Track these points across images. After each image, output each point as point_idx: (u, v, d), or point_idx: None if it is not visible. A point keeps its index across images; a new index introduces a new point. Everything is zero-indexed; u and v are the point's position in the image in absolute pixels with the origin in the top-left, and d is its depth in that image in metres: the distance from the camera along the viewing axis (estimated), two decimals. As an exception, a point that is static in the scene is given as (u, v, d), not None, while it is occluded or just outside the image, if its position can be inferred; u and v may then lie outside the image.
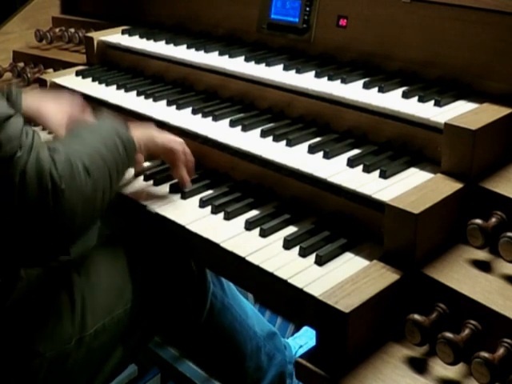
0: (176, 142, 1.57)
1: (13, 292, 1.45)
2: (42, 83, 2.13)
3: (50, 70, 2.33)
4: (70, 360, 1.48)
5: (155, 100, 1.86)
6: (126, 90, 1.95)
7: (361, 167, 1.44)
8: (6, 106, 1.21)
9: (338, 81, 1.66)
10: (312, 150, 1.52)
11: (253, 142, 1.60)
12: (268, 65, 1.80)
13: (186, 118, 1.75)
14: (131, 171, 1.64)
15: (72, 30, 2.44)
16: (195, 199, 1.54)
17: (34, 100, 1.70)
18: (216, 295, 1.73)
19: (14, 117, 1.20)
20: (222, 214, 1.48)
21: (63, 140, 1.40)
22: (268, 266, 1.29)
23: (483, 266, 1.23)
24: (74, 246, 1.54)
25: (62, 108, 1.70)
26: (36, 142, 1.21)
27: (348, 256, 1.32)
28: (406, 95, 1.54)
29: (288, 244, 1.35)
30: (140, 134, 1.51)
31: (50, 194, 1.19)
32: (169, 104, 1.82)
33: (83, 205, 1.26)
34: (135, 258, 1.60)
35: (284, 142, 1.57)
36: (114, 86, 1.99)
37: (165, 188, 1.60)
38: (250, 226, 1.42)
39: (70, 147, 1.29)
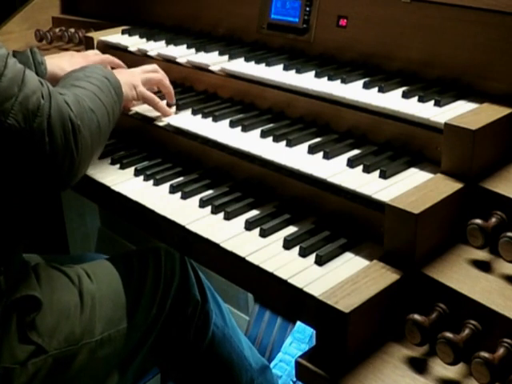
0: (153, 78, 1.79)
1: (16, 280, 1.46)
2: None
3: (50, 70, 2.33)
4: (74, 365, 1.49)
5: (155, 100, 1.86)
6: (126, 90, 1.95)
7: (361, 167, 1.44)
8: (16, 61, 1.27)
9: (338, 81, 1.66)
10: (312, 150, 1.52)
11: (253, 142, 1.59)
12: (268, 65, 1.80)
13: (186, 119, 1.75)
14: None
15: (72, 30, 2.44)
16: (195, 199, 1.54)
17: (52, 61, 1.78)
18: (217, 325, 1.75)
19: (26, 70, 1.28)
20: (221, 214, 1.48)
21: (63, 86, 1.47)
22: (268, 266, 1.29)
23: (483, 266, 1.23)
24: None
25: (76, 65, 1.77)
26: (51, 89, 1.31)
27: (348, 256, 1.32)
28: (406, 95, 1.54)
29: (288, 244, 1.35)
30: (123, 80, 1.64)
31: (71, 132, 1.31)
32: (168, 104, 1.82)
33: (91, 138, 1.39)
34: (145, 278, 1.62)
35: (284, 143, 1.57)
36: (114, 86, 1.99)
37: (165, 188, 1.60)
38: (250, 225, 1.42)
39: (72, 91, 1.42)
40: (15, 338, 1.42)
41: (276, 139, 1.59)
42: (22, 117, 1.22)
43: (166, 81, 1.82)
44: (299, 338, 2.17)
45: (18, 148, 1.25)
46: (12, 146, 1.24)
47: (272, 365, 2.14)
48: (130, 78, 1.72)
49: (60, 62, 1.77)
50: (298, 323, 2.20)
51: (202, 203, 1.52)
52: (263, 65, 1.81)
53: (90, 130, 1.38)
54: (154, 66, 1.84)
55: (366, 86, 1.61)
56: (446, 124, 1.35)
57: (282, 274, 1.26)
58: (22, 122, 1.22)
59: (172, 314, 1.66)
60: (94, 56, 1.87)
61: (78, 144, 1.33)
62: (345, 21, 1.78)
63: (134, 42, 2.11)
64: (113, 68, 1.83)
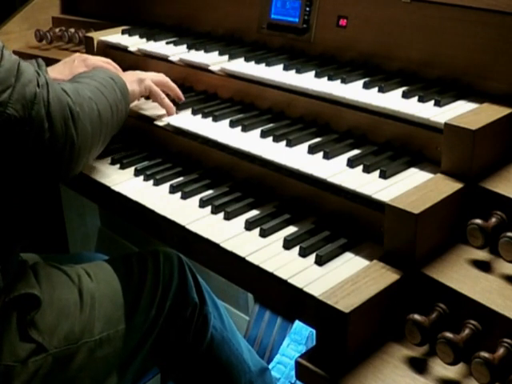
0: (159, 80, 1.79)
1: (15, 279, 1.46)
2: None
3: (50, 70, 2.33)
4: (74, 364, 1.49)
5: (155, 100, 1.86)
6: (126, 90, 1.95)
7: (361, 167, 1.44)
8: (11, 52, 1.28)
9: (338, 81, 1.66)
10: (312, 150, 1.52)
11: (253, 142, 1.59)
12: (268, 65, 1.80)
13: (186, 119, 1.75)
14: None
15: (72, 30, 2.44)
16: (195, 199, 1.54)
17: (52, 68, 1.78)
18: (216, 328, 1.75)
19: (21, 60, 1.29)
20: (221, 214, 1.48)
21: (65, 83, 1.47)
22: (268, 266, 1.29)
23: (483, 266, 1.23)
24: None
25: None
26: (48, 78, 1.32)
27: (348, 256, 1.32)
28: (406, 95, 1.54)
29: (288, 244, 1.35)
30: (128, 78, 1.68)
31: (70, 119, 1.33)
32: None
33: (92, 126, 1.40)
34: (144, 281, 1.63)
35: (284, 142, 1.57)
36: (114, 86, 1.99)
37: (165, 188, 1.60)
38: (250, 225, 1.42)
39: (72, 84, 1.44)
40: (16, 335, 1.43)
41: (276, 139, 1.59)
42: (20, 106, 1.24)
43: (172, 83, 1.83)
44: (296, 340, 2.17)
45: (18, 137, 1.26)
46: (13, 136, 1.25)
47: (269, 367, 2.14)
48: (137, 75, 1.75)
49: (60, 68, 1.79)
50: (295, 324, 2.20)
51: (202, 203, 1.52)
52: (263, 65, 1.81)
53: (90, 117, 1.39)
54: (159, 74, 1.85)
55: (366, 86, 1.61)
56: (445, 124, 1.35)
57: (281, 274, 1.26)
58: (20, 111, 1.24)
59: (171, 317, 1.66)
60: (94, 59, 1.86)
61: (77, 130, 1.34)
62: (345, 21, 1.78)
63: (134, 42, 2.11)
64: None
